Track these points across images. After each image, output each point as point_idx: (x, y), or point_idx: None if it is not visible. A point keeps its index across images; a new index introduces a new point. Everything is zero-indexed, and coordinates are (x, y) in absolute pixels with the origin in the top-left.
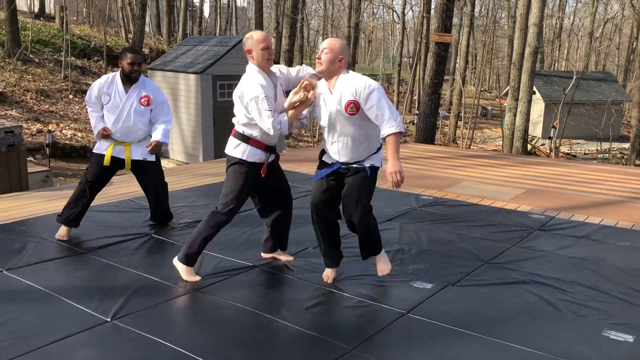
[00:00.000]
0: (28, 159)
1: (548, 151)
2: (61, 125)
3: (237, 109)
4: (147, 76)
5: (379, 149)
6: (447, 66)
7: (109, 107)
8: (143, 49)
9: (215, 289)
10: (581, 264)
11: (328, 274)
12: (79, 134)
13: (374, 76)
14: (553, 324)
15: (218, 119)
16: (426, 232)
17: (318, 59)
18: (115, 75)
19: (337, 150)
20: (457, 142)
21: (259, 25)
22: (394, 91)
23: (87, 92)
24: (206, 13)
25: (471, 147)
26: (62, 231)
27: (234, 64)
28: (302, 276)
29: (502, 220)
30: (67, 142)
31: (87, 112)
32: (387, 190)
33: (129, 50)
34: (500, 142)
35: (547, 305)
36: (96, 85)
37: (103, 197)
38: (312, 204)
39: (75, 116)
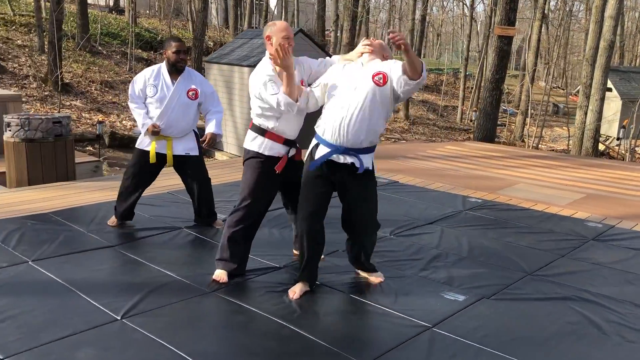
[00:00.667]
0: (87, 148)
1: (622, 152)
2: (121, 116)
3: (252, 101)
4: (204, 69)
5: (375, 147)
6: (518, 62)
7: (155, 99)
8: (208, 42)
9: (233, 290)
10: (638, 281)
11: (299, 288)
12: None
13: (439, 70)
14: (596, 349)
15: None
16: (468, 237)
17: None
18: (161, 67)
19: (344, 126)
20: (525, 140)
21: (321, 19)
22: (459, 87)
23: (130, 87)
24: (272, 5)
25: (539, 146)
26: (113, 220)
27: None
28: (326, 280)
29: (554, 228)
30: (125, 132)
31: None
32: (434, 191)
33: (173, 39)
34: (572, 141)
35: (592, 327)
36: (141, 79)
37: None
38: (311, 213)
39: None
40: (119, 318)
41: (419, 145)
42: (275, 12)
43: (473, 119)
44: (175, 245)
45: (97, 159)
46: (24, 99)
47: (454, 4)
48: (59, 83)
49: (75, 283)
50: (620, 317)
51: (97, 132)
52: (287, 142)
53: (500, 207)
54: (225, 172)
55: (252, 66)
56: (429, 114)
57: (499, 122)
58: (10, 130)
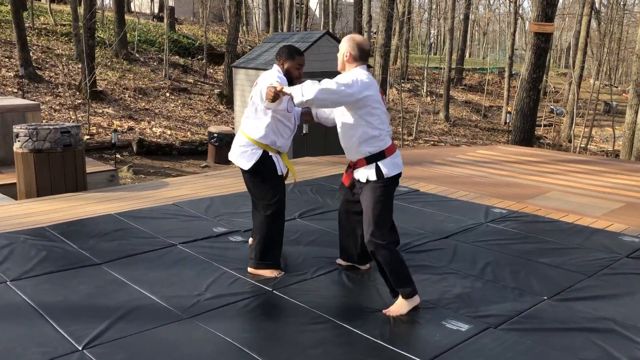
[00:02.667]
0: (114, 155)
1: None
2: (152, 123)
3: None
4: (231, 74)
5: None
6: (569, 59)
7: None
8: (246, 47)
9: (213, 315)
10: None
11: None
12: (168, 132)
13: (483, 70)
14: None
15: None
16: (485, 254)
17: None
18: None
19: None
20: (572, 140)
21: (357, 22)
22: (504, 86)
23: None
24: (313, 7)
25: (588, 146)
26: None
27: (314, 60)
28: (313, 304)
29: (584, 243)
30: (154, 139)
31: (180, 109)
32: (456, 201)
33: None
34: (622, 142)
35: None
36: None
37: (146, 201)
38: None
39: (168, 114)
40: (80, 348)
41: (449, 149)
42: (317, 14)
43: (507, 120)
44: (164, 263)
45: (112, 167)
46: (57, 107)
47: (500, 1)
48: (88, 90)
49: (47, 307)
50: None
51: (112, 141)
52: None
53: (526, 218)
54: (236, 182)
55: None
56: (472, 115)
57: (546, 123)
58: (19, 141)
